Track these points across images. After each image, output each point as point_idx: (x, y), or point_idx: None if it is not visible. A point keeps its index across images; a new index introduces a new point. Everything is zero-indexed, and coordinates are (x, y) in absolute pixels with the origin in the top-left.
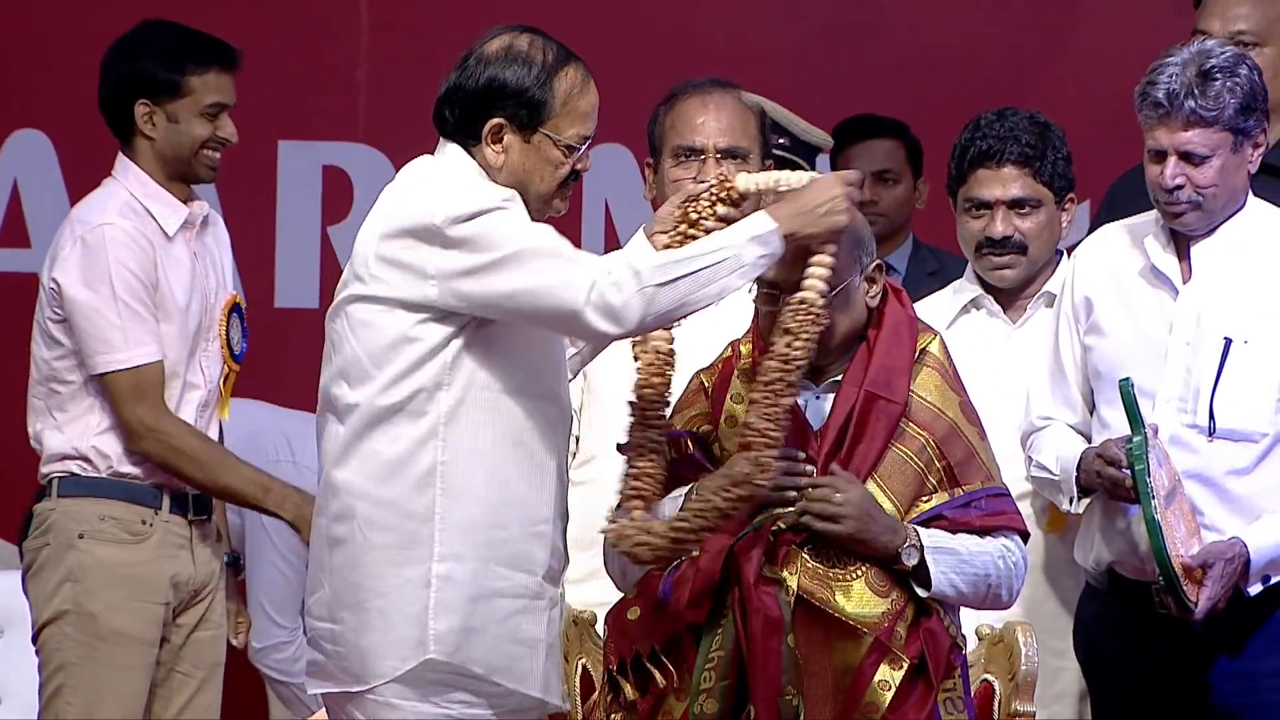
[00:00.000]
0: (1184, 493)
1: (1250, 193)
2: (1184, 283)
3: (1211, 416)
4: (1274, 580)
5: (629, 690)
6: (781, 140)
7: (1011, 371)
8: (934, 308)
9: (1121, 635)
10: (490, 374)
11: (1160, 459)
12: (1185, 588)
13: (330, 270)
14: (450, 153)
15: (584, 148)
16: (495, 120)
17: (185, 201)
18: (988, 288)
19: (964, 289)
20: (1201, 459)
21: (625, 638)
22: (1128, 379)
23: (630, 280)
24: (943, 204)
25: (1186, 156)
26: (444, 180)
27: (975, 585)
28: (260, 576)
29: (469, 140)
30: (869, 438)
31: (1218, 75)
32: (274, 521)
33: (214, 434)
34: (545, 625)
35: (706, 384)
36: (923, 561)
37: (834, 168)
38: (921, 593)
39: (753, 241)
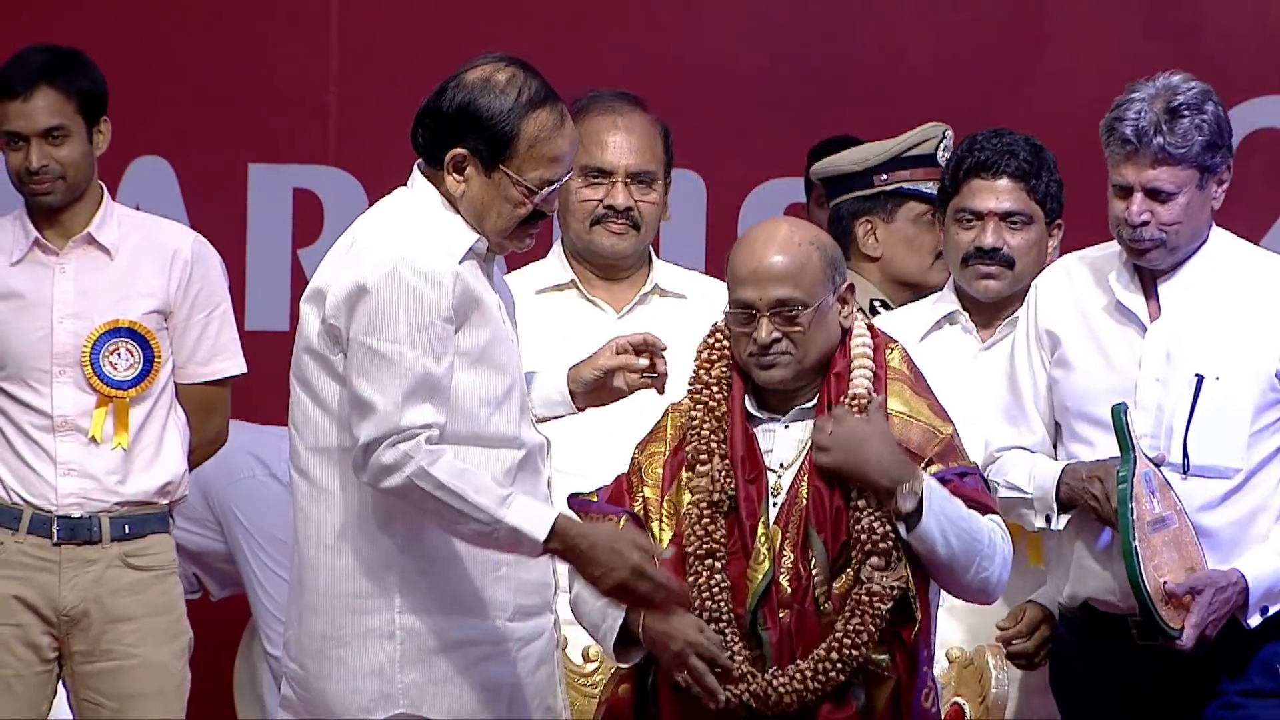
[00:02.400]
0: (1188, 524)
1: (1213, 225)
2: (1152, 319)
3: (1185, 454)
4: (1272, 611)
5: None
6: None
7: (976, 390)
8: (911, 317)
9: (1098, 667)
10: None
11: (1155, 487)
12: (1163, 614)
13: (300, 293)
14: (419, 188)
15: (547, 191)
16: (458, 151)
17: (82, 230)
18: (965, 303)
19: (944, 300)
20: (1177, 496)
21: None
22: (1122, 404)
23: (414, 464)
24: None
25: (1153, 193)
26: (400, 233)
27: (966, 546)
28: (260, 586)
29: (435, 164)
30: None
31: (1185, 112)
32: (261, 531)
33: (100, 460)
34: (513, 667)
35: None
36: (917, 512)
37: (811, 189)
38: (907, 535)
39: (515, 532)
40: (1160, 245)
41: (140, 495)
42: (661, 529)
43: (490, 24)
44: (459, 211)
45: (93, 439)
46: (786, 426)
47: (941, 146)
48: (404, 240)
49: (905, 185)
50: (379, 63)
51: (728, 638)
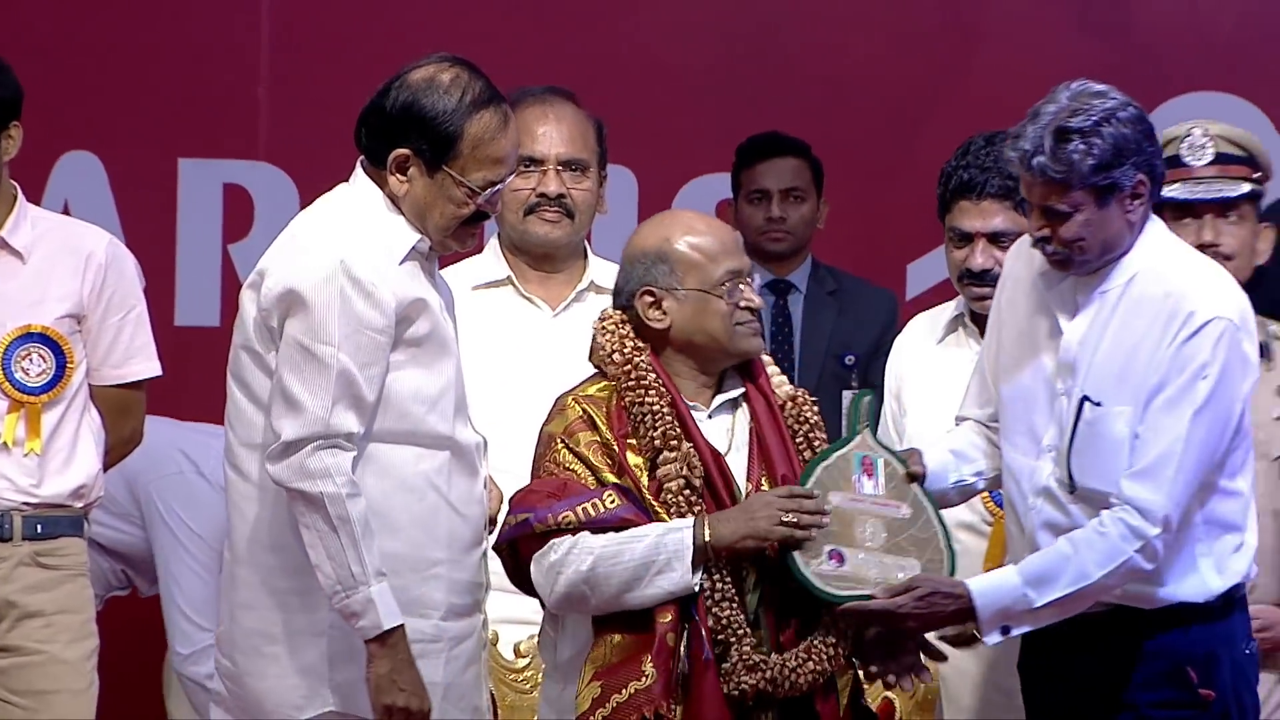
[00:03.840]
0: (929, 519)
1: (1145, 233)
2: (1067, 325)
3: (1070, 474)
4: (1015, 633)
5: None
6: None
7: (956, 401)
8: (936, 316)
9: (1037, 663)
10: (374, 426)
11: (877, 471)
12: (813, 578)
13: (231, 288)
14: (361, 187)
15: (490, 191)
16: (401, 151)
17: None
18: (971, 311)
19: (961, 304)
20: (1066, 515)
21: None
22: (865, 392)
23: (335, 485)
24: (840, 225)
25: (1049, 213)
26: (340, 233)
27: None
28: (176, 583)
29: (378, 163)
30: (783, 439)
31: (1074, 137)
32: (183, 527)
33: (12, 463)
34: (443, 667)
35: (601, 430)
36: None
37: (739, 183)
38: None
39: (368, 603)
40: (1066, 260)
41: (54, 498)
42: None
43: (423, 20)
44: (401, 211)
45: (3, 444)
46: (710, 416)
47: (1186, 145)
48: (344, 242)
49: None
50: (310, 57)
51: (741, 622)
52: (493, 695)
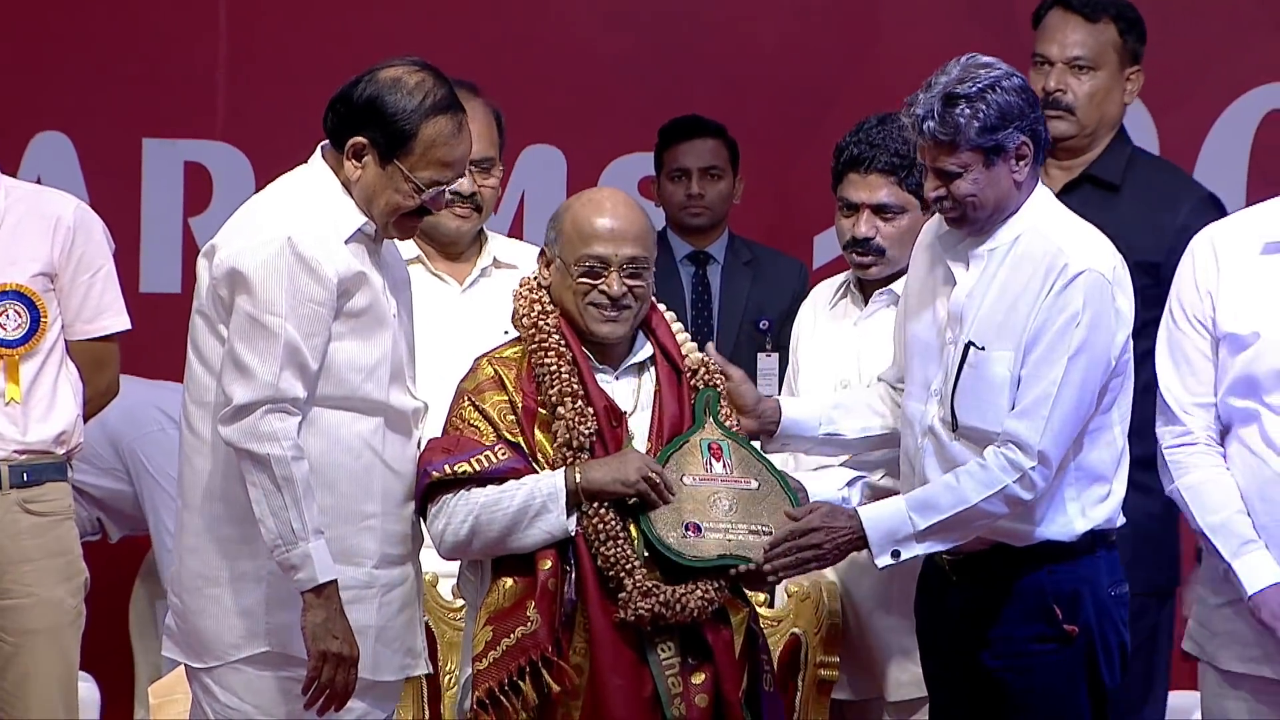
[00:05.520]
0: (775, 489)
1: (1032, 196)
2: (959, 280)
3: (953, 414)
4: (905, 556)
5: (533, 694)
6: None
7: (841, 357)
8: (832, 283)
9: (928, 600)
10: (313, 394)
11: (726, 455)
12: (671, 540)
13: (191, 258)
14: (316, 169)
15: (434, 190)
16: (359, 139)
17: None
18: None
19: (851, 273)
20: (948, 452)
21: (520, 648)
22: (711, 390)
23: (282, 447)
24: (753, 200)
25: (941, 173)
26: (290, 212)
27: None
28: (164, 525)
29: (338, 147)
30: (680, 402)
31: (959, 102)
32: (166, 477)
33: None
34: (375, 611)
35: (511, 390)
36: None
37: (661, 162)
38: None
39: (306, 558)
40: (962, 216)
41: (38, 444)
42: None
43: (371, 4)
44: (349, 193)
45: None
46: (617, 378)
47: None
48: (293, 219)
49: None
50: (265, 44)
51: (630, 556)
52: (432, 632)
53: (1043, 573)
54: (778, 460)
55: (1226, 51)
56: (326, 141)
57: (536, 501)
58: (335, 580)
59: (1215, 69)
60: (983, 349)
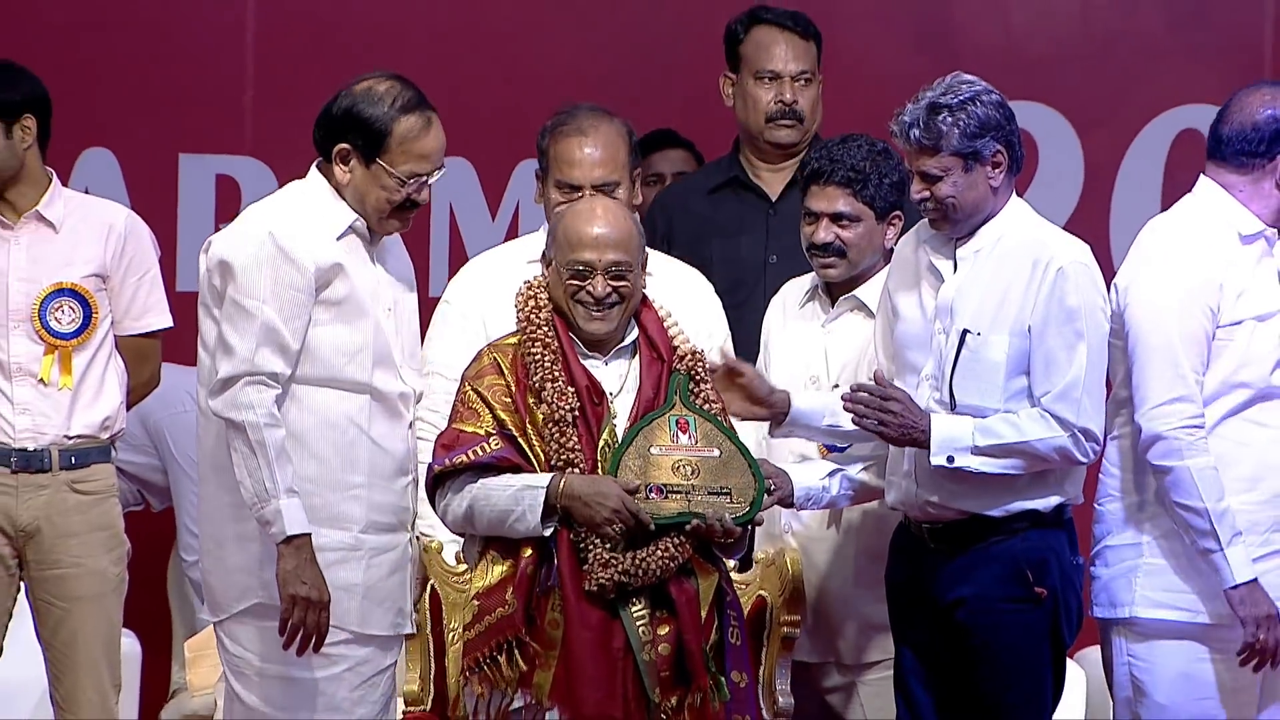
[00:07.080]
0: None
1: (1011, 199)
2: (948, 279)
3: (952, 395)
4: (957, 462)
5: (509, 669)
6: None
7: (810, 355)
8: (801, 284)
9: (904, 565)
10: (301, 370)
11: (691, 430)
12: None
13: None
14: (311, 179)
15: (416, 181)
16: (342, 146)
17: (28, 207)
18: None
19: (816, 276)
20: None
21: (505, 626)
22: (679, 374)
23: (258, 415)
24: None
25: (925, 176)
26: (275, 212)
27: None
28: (183, 501)
29: (326, 156)
30: (657, 386)
31: (942, 111)
32: (187, 458)
33: (50, 400)
34: (362, 571)
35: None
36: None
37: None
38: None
39: (277, 513)
40: (943, 217)
41: (85, 429)
42: (533, 448)
43: (386, 32)
44: (344, 197)
45: (41, 381)
46: (607, 364)
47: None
48: (277, 217)
49: None
50: (288, 69)
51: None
52: (437, 593)
53: (1017, 540)
54: (779, 449)
55: (1143, 76)
56: (320, 159)
57: (518, 509)
58: (308, 535)
59: (1133, 92)
60: (979, 334)
